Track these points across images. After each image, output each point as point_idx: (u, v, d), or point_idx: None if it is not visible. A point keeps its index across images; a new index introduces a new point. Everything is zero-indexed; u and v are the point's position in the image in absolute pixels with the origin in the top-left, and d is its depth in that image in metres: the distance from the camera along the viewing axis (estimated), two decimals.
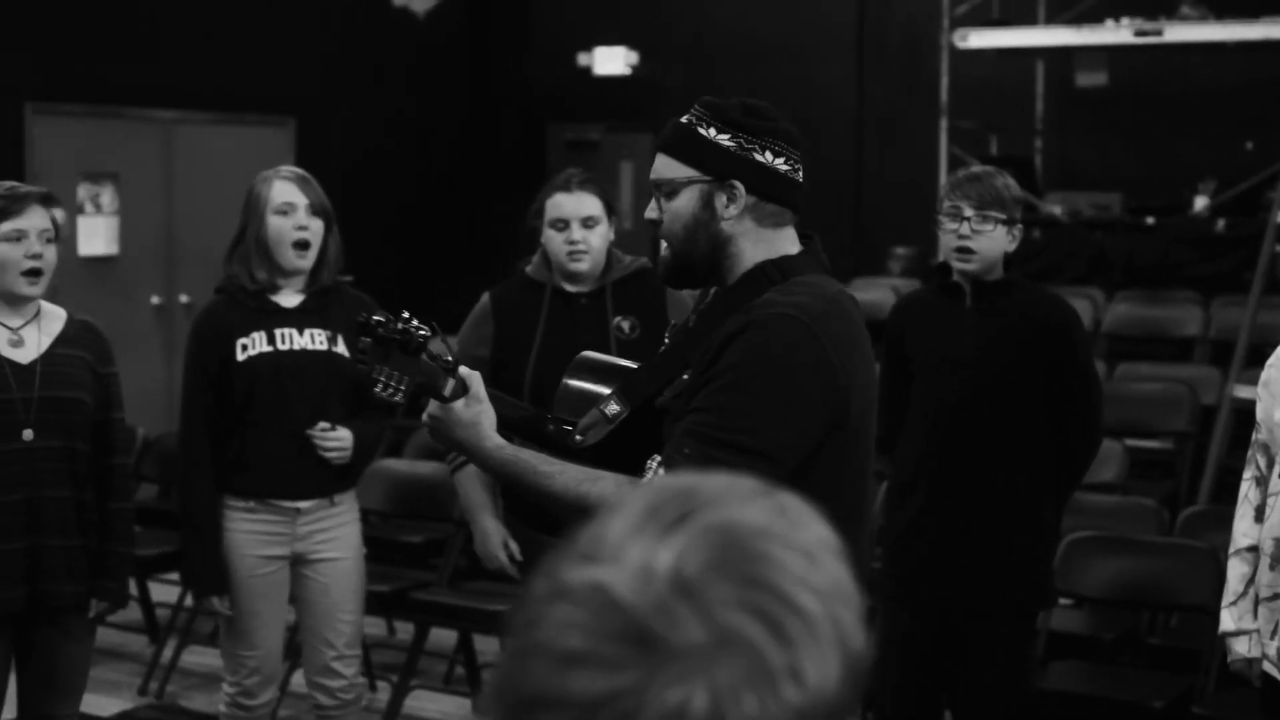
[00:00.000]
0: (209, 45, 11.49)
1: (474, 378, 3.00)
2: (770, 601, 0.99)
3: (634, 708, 0.95)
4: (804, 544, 1.04)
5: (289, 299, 4.79)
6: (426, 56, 13.21)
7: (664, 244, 3.07)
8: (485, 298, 4.76)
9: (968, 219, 4.47)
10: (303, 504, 4.79)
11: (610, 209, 4.67)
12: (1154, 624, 5.96)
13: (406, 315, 2.99)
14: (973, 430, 4.49)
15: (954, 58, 11.51)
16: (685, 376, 2.98)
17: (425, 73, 13.21)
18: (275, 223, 4.73)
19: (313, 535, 4.82)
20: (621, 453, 2.98)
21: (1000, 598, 4.53)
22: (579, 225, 4.58)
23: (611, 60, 13.52)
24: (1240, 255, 10.03)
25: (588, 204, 4.61)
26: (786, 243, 3.04)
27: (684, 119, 3.05)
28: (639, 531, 1.02)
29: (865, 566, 3.23)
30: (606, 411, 3.03)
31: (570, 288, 4.63)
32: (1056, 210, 11.12)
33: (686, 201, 3.00)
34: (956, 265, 4.53)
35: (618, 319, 4.59)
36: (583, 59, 13.60)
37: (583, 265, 4.59)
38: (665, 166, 3.03)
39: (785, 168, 3.02)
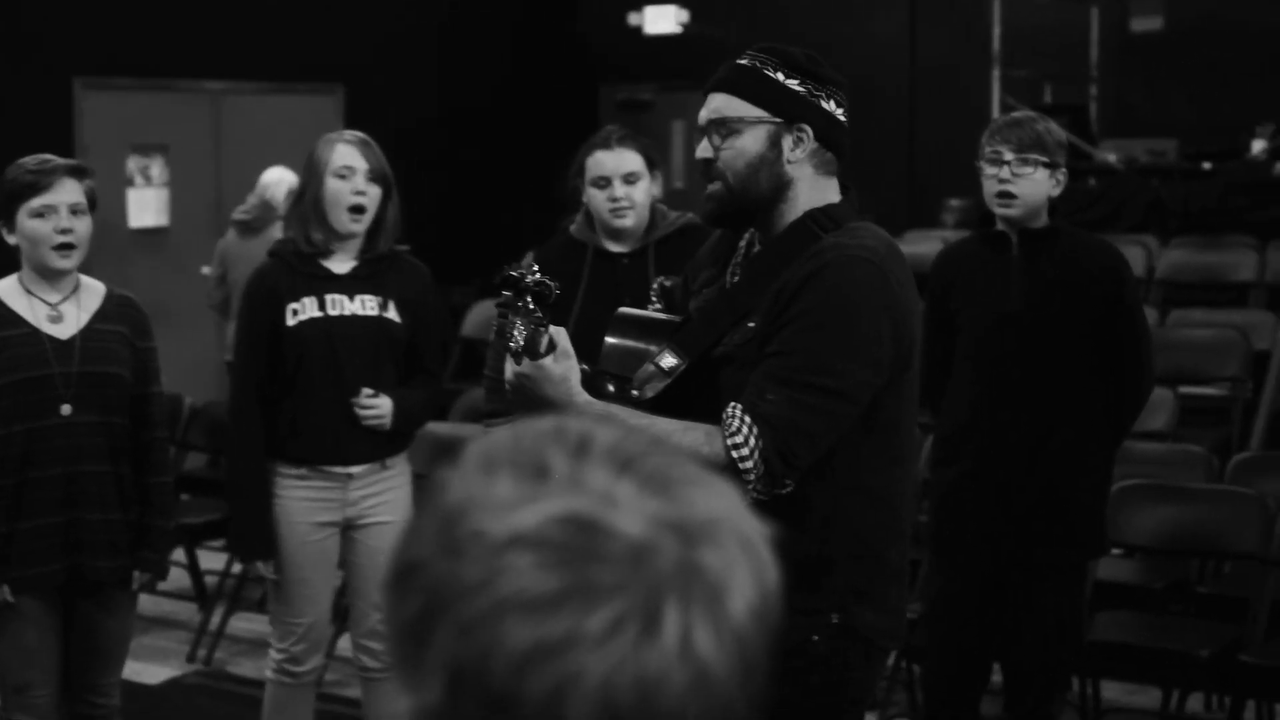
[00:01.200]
0: (256, 15, 11.51)
1: (561, 334, 3.02)
2: (704, 495, 1.02)
3: (646, 624, 0.95)
4: (672, 449, 1.07)
5: (341, 265, 4.77)
6: (476, 20, 13.19)
7: (713, 183, 3.09)
8: (527, 258, 4.75)
9: (1008, 163, 4.43)
10: (354, 469, 4.78)
11: (652, 163, 4.63)
12: (1203, 572, 5.90)
13: (536, 268, 2.99)
14: (1021, 382, 4.45)
15: (1006, 6, 11.42)
16: (751, 324, 3.01)
17: (475, 36, 13.18)
18: (333, 185, 4.70)
19: (364, 500, 4.81)
20: (676, 404, 3.01)
21: (1053, 550, 4.50)
22: (621, 182, 4.54)
23: (662, 19, 13.45)
24: None
25: (629, 160, 4.56)
26: (832, 191, 3.11)
27: (745, 61, 3.09)
28: (547, 469, 1.01)
29: (914, 510, 3.26)
30: (662, 365, 3.08)
31: (613, 247, 4.59)
32: (1112, 158, 11.01)
33: (753, 140, 3.05)
34: (998, 211, 4.49)
35: (660, 278, 4.56)
36: (633, 18, 13.54)
37: (627, 221, 4.55)
38: (729, 105, 3.07)
39: (843, 118, 3.10)
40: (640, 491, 1.00)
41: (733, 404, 2.91)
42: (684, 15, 13.39)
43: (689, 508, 0.99)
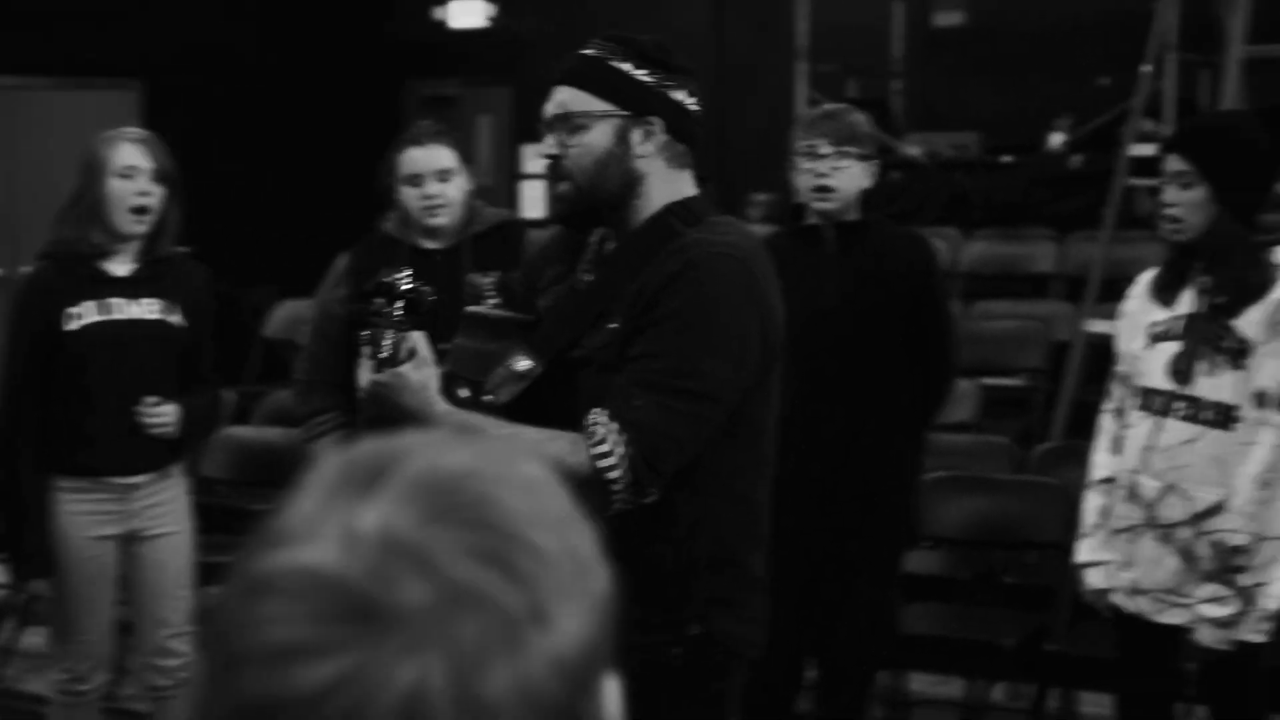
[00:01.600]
0: (49, 9, 11.22)
1: (421, 341, 2.89)
2: (497, 542, 0.90)
3: (367, 690, 0.85)
4: (520, 479, 0.95)
5: (121, 267, 4.60)
6: (278, 14, 12.97)
7: (561, 182, 2.97)
8: (342, 258, 4.66)
9: (825, 156, 4.42)
10: (137, 479, 4.62)
11: (466, 159, 4.57)
12: (1009, 562, 5.97)
13: (409, 273, 2.87)
14: (836, 377, 4.44)
15: (811, 1, 11.47)
16: (611, 325, 2.89)
17: (277, 31, 12.97)
18: (116, 186, 4.52)
19: (146, 511, 4.65)
20: (532, 408, 2.89)
21: (865, 544, 4.51)
22: (434, 179, 4.47)
23: (468, 13, 13.36)
24: (1097, 191, 10.07)
25: (442, 157, 4.49)
26: (686, 184, 3.00)
27: (590, 52, 2.97)
28: (333, 500, 0.91)
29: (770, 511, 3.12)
30: (516, 368, 2.95)
31: (428, 244, 4.51)
32: (915, 151, 11.13)
33: (600, 136, 2.93)
34: (816, 205, 4.48)
35: (473, 275, 4.48)
36: (438, 12, 13.42)
37: (441, 219, 4.48)
38: (574, 99, 2.94)
39: (695, 108, 2.99)
40: (424, 532, 0.89)
41: (595, 411, 2.80)
42: (491, 9, 13.31)
43: (473, 561, 0.89)
